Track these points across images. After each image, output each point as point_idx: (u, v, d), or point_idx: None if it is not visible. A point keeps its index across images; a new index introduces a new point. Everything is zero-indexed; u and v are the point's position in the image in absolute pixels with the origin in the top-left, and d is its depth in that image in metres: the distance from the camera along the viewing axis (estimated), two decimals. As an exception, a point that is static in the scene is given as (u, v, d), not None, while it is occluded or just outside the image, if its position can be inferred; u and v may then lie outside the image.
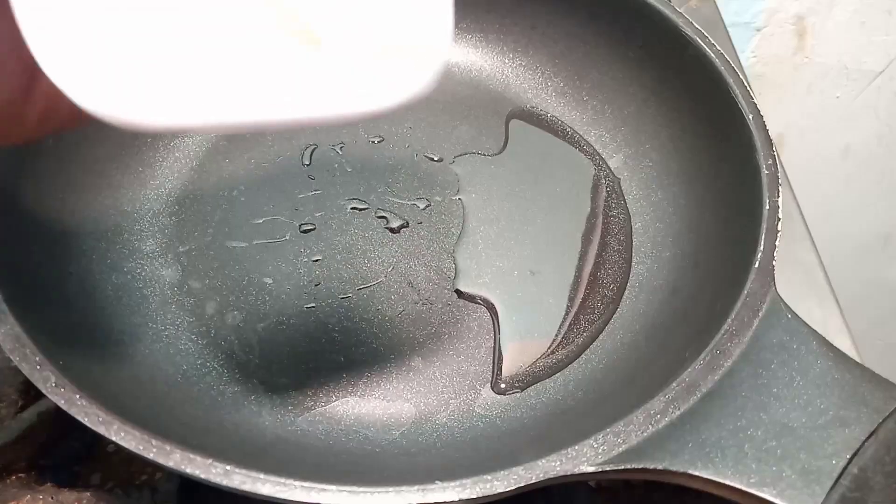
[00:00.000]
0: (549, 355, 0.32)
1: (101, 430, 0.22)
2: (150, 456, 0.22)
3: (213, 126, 0.16)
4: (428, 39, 0.17)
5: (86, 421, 0.22)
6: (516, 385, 0.31)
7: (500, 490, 0.22)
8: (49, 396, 0.23)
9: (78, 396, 0.22)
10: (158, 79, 0.16)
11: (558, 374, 0.31)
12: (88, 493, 0.28)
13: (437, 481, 0.22)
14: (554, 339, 0.32)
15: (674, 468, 0.23)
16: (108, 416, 0.22)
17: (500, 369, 0.31)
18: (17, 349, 0.23)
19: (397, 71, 0.17)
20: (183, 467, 0.21)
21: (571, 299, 0.33)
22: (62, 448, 0.30)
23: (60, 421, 0.27)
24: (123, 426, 0.22)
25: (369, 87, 0.17)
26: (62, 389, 0.23)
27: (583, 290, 0.34)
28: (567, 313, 0.33)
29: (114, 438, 0.22)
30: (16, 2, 0.15)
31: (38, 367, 0.23)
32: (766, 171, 0.29)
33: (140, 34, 0.16)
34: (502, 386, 0.31)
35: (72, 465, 0.30)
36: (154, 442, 0.22)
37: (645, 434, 0.23)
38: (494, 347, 0.32)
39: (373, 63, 0.17)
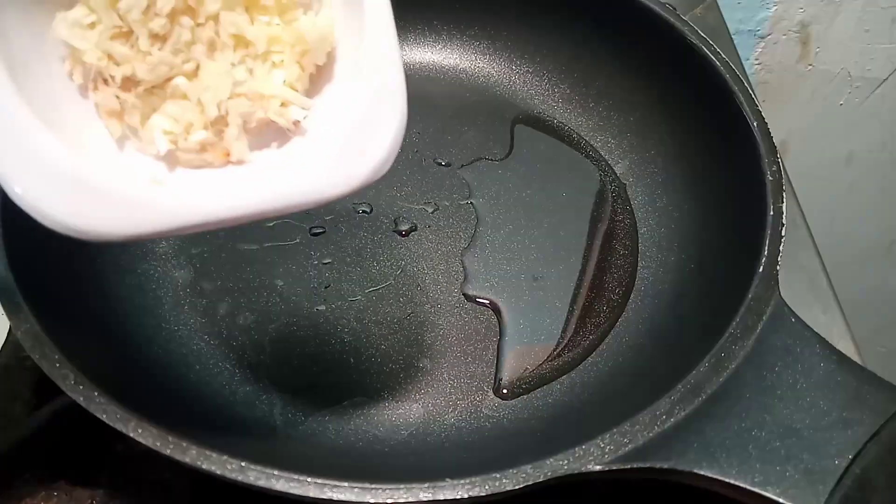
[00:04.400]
0: (554, 358, 0.32)
1: (119, 426, 0.23)
2: (167, 452, 0.22)
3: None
4: None
5: (104, 417, 0.23)
6: (522, 387, 0.31)
7: (509, 488, 0.22)
8: (68, 393, 0.23)
9: (96, 394, 0.23)
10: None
11: (564, 376, 0.32)
12: (101, 491, 0.29)
13: (447, 479, 0.22)
14: (559, 343, 0.33)
15: (679, 467, 0.23)
16: (126, 413, 0.23)
17: (505, 372, 0.32)
18: (36, 347, 0.24)
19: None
20: (199, 463, 0.22)
21: (577, 303, 0.34)
22: (76, 446, 0.30)
23: (74, 419, 0.28)
24: (140, 423, 0.23)
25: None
26: (81, 387, 0.23)
27: (588, 294, 0.34)
28: (572, 317, 0.33)
29: (131, 435, 0.22)
30: None
31: (58, 364, 0.24)
32: (771, 178, 0.30)
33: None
34: (508, 388, 0.31)
35: (85, 463, 0.30)
36: (171, 438, 0.22)
37: (651, 434, 0.24)
38: (500, 350, 0.32)
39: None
